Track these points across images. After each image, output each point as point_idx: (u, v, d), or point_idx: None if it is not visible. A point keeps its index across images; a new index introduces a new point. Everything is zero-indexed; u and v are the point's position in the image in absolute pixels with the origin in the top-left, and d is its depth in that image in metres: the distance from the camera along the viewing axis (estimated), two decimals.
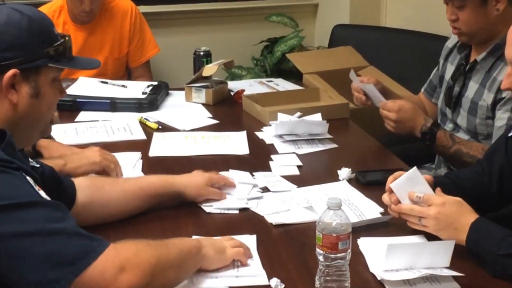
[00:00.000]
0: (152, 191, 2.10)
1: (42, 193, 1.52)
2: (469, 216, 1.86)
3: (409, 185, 1.92)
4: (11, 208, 1.44)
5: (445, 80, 2.84)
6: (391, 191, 1.94)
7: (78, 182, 2.02)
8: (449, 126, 2.79)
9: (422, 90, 3.06)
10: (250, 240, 1.93)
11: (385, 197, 1.98)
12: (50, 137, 2.48)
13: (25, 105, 1.63)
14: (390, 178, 1.98)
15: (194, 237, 1.89)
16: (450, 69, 2.82)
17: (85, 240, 1.48)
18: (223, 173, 2.33)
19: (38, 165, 1.87)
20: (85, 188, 2.00)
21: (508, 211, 2.36)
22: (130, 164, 2.47)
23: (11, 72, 1.58)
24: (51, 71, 1.67)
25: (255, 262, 1.83)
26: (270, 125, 2.83)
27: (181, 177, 2.17)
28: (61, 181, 1.95)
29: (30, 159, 1.81)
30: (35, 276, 1.42)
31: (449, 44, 2.90)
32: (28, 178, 1.52)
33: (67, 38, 1.70)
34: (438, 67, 2.95)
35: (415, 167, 1.96)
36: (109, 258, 1.47)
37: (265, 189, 2.28)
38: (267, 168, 2.47)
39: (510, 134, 2.13)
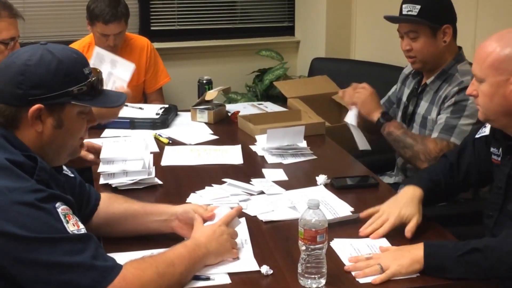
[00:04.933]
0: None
1: (70, 225, 1.49)
2: (418, 246, 1.76)
3: None
4: (38, 241, 1.43)
5: (402, 101, 2.85)
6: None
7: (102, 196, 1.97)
8: None
9: (381, 103, 3.05)
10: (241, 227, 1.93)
11: None
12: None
13: (49, 134, 1.58)
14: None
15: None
16: (406, 92, 2.83)
17: (98, 273, 1.47)
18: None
19: (72, 175, 1.86)
20: (103, 202, 1.94)
21: (452, 211, 2.39)
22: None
23: (35, 106, 1.54)
24: (76, 107, 1.59)
25: (248, 253, 1.82)
26: (259, 135, 2.83)
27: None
28: (88, 191, 1.91)
29: (65, 168, 1.78)
30: None
31: (406, 71, 2.91)
32: (59, 210, 1.49)
33: (94, 78, 1.62)
34: (396, 88, 2.96)
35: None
36: (117, 287, 1.47)
37: (261, 193, 2.28)
38: (258, 175, 2.46)
39: (476, 136, 2.14)
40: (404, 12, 2.59)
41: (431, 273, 1.71)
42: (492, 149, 2.03)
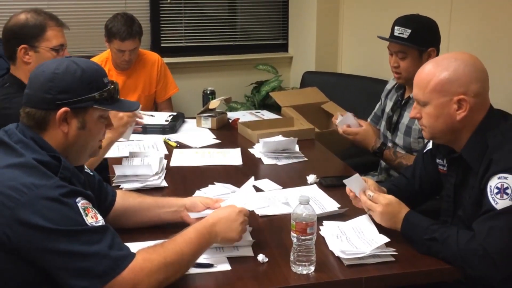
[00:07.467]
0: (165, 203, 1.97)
1: (89, 218, 1.49)
2: (403, 211, 1.85)
3: (355, 184, 1.93)
4: (60, 233, 1.45)
5: (385, 112, 2.85)
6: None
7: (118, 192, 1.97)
8: (389, 144, 2.81)
9: (369, 120, 3.05)
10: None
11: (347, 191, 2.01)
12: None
13: (74, 135, 1.60)
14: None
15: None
16: (389, 104, 2.83)
17: (112, 262, 1.47)
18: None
19: (92, 173, 1.86)
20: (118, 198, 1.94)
21: (431, 207, 2.39)
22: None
23: (62, 109, 1.56)
24: (97, 111, 1.62)
25: (246, 243, 1.82)
26: (258, 142, 2.83)
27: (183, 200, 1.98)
28: (106, 188, 1.91)
29: (85, 167, 1.79)
30: (73, 282, 1.45)
31: (388, 86, 2.92)
32: (79, 204, 1.50)
33: (112, 86, 1.64)
34: (380, 102, 2.97)
35: (357, 174, 1.98)
36: (126, 278, 1.48)
37: (260, 190, 2.30)
38: (256, 175, 2.45)
39: (424, 151, 2.16)
40: (396, 34, 2.58)
41: (405, 240, 1.82)
42: (438, 161, 2.06)
